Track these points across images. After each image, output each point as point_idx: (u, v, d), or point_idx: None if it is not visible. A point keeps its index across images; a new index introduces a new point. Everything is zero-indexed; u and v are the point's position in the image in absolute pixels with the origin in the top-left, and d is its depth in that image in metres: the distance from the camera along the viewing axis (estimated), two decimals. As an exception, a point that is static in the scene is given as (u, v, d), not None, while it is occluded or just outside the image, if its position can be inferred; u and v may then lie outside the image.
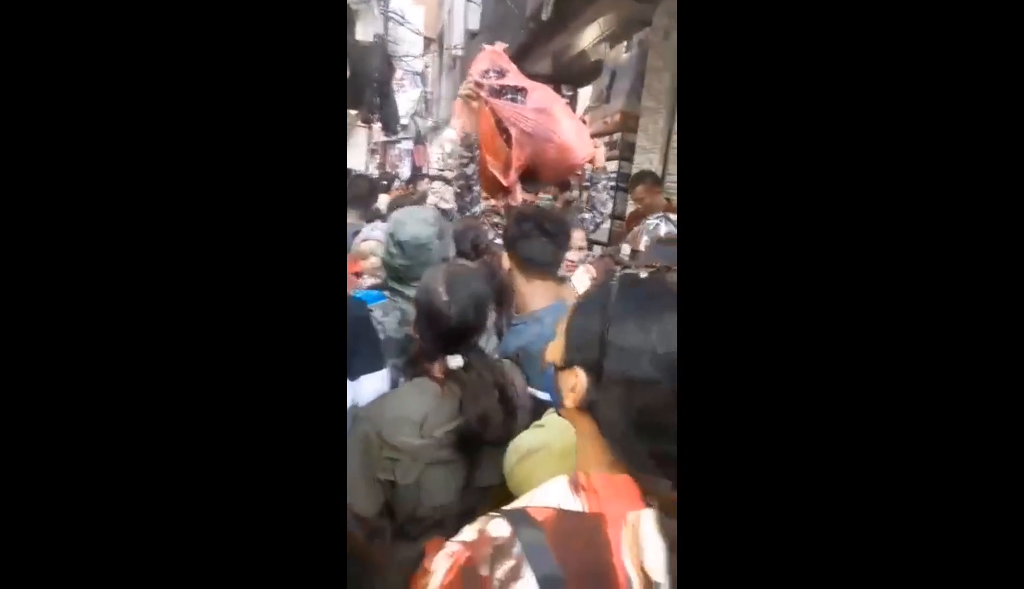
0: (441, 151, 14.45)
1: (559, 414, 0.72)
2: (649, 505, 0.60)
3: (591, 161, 2.43)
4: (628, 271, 0.69)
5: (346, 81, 2.89)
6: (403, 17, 7.47)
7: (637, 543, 0.58)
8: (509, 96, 2.25)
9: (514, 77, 2.33)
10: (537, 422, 1.02)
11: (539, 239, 1.53)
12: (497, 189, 2.40)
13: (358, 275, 1.97)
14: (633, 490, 0.61)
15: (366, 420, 1.12)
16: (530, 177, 2.38)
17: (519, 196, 2.35)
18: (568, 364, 0.66)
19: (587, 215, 2.49)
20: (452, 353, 1.16)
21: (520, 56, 5.90)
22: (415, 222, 1.56)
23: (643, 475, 0.61)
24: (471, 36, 9.98)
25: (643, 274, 0.67)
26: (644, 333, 0.61)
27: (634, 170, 3.77)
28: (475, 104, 2.25)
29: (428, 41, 12.67)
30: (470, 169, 2.30)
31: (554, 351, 0.70)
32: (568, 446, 0.80)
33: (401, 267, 1.56)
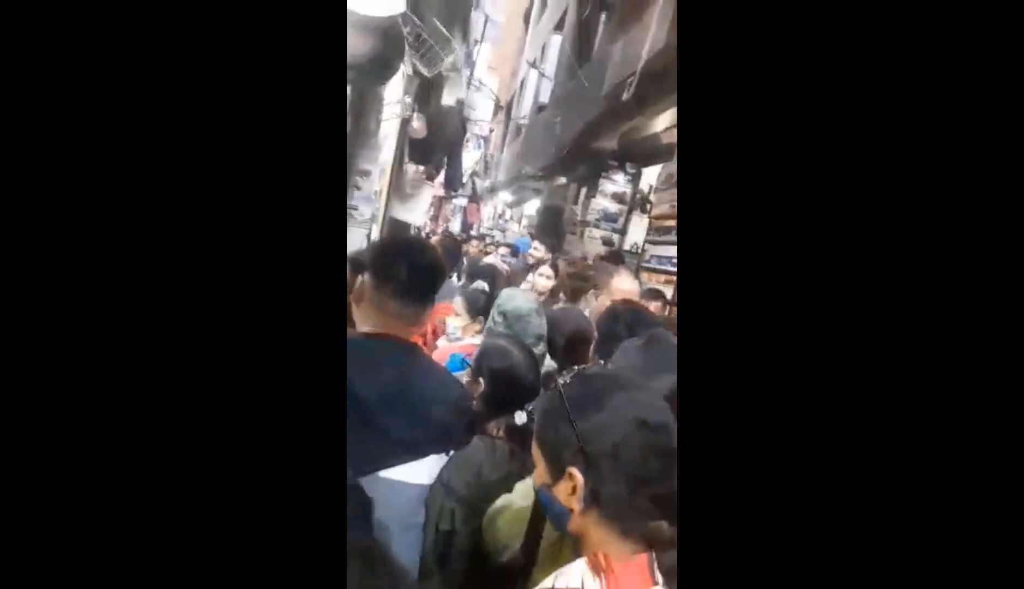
0: (494, 211, 14.79)
1: (568, 526, 0.77)
2: (657, 570, 0.67)
3: None
4: (566, 379, 0.81)
5: (346, 97, 2.64)
6: (482, 84, 7.89)
7: None
8: None
9: None
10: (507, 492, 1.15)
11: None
12: None
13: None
14: (644, 569, 0.68)
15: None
16: None
17: None
18: (557, 476, 0.75)
19: None
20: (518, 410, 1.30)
21: (587, 132, 6.12)
22: (521, 296, 1.85)
23: (643, 524, 0.70)
24: (539, 109, 10.44)
25: (574, 376, 0.82)
26: (600, 410, 0.73)
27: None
28: None
29: (497, 108, 13.27)
30: None
31: (538, 477, 0.79)
32: (528, 505, 0.97)
33: (500, 336, 1.71)
